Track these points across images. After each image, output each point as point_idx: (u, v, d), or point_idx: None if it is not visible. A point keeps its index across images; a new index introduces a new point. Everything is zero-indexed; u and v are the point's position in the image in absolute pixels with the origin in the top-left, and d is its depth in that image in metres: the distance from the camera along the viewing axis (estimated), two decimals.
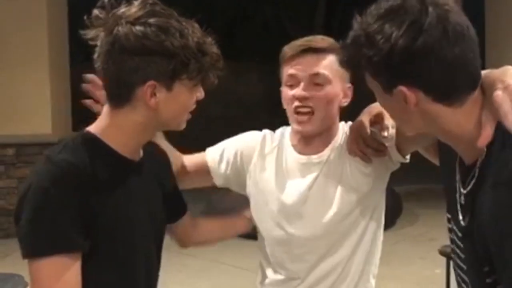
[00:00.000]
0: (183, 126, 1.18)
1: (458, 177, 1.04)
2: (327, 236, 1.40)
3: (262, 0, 10.65)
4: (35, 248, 1.03)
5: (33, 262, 1.03)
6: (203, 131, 10.82)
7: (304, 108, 1.37)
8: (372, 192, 1.42)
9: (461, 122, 0.96)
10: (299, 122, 1.39)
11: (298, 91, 1.37)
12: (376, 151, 1.37)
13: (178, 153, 1.51)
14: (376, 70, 0.96)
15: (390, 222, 5.35)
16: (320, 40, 1.39)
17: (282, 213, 1.43)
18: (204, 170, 1.52)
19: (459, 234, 1.05)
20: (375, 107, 1.35)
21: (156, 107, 1.10)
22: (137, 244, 1.16)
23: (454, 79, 0.93)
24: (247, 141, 1.51)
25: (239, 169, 1.50)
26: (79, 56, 6.94)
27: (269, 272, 1.48)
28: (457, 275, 1.11)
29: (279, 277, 1.46)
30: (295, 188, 1.42)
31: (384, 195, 1.47)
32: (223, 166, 1.51)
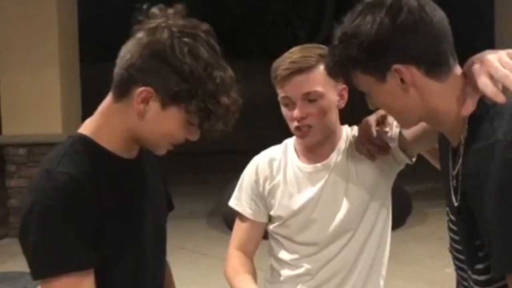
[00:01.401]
0: (161, 152, 1.14)
1: (450, 162, 1.09)
2: (337, 238, 1.45)
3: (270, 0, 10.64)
4: (45, 269, 1.02)
5: (44, 283, 1.02)
6: None
7: (304, 127, 1.43)
8: (378, 193, 1.47)
9: (448, 98, 1.04)
10: (301, 137, 1.46)
11: (295, 113, 1.42)
12: (380, 149, 1.42)
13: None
14: (368, 56, 1.03)
15: (399, 221, 5.33)
16: (307, 57, 1.40)
17: (295, 223, 1.48)
18: (260, 229, 1.55)
19: (452, 217, 1.09)
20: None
21: (142, 115, 1.06)
22: (144, 242, 1.15)
23: (438, 48, 1.02)
24: (256, 177, 1.53)
25: (265, 200, 1.54)
26: (89, 56, 6.99)
27: (280, 270, 1.52)
28: (455, 266, 1.13)
29: (290, 273, 1.49)
30: (305, 196, 1.46)
31: (390, 195, 1.51)
32: (261, 210, 1.53)
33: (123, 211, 1.10)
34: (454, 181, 1.07)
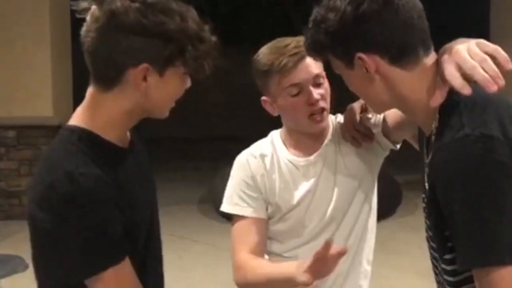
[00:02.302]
0: (166, 114, 1.13)
1: (424, 150, 1.11)
2: (323, 230, 1.47)
3: None
4: (93, 266, 1.02)
5: (95, 279, 1.02)
6: (205, 118, 10.82)
7: (318, 110, 1.42)
8: (364, 182, 1.49)
9: (416, 87, 1.04)
10: (316, 122, 1.43)
11: (314, 95, 1.39)
12: (364, 136, 1.45)
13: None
14: (334, 43, 1.05)
15: (389, 211, 5.36)
16: (301, 44, 1.37)
17: (294, 215, 1.48)
18: (264, 226, 1.48)
19: (424, 206, 1.11)
20: None
21: (145, 92, 1.04)
22: (146, 229, 1.16)
23: (403, 37, 1.02)
24: (251, 173, 1.48)
25: (264, 197, 1.50)
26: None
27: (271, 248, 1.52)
28: (430, 255, 1.14)
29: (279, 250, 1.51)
30: (302, 190, 1.47)
31: (375, 182, 1.53)
32: (261, 206, 1.48)
33: (135, 198, 1.11)
34: (427, 169, 1.07)
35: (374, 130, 1.46)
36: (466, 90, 0.96)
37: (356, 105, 1.46)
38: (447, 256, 1.03)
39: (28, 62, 5.42)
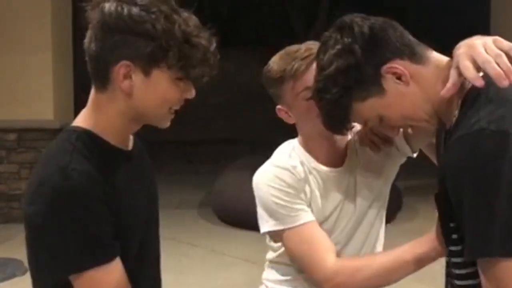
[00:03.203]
0: (165, 123, 1.12)
1: (442, 143, 1.12)
2: (347, 236, 1.42)
3: None
4: (78, 263, 1.02)
5: (78, 276, 1.02)
6: (205, 121, 10.81)
7: None
8: (383, 187, 1.46)
9: (435, 80, 1.07)
10: None
11: None
12: (383, 140, 1.41)
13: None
14: (353, 78, 1.08)
15: (390, 217, 5.32)
16: (316, 46, 1.35)
17: (324, 228, 1.38)
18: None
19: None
20: None
21: (131, 91, 1.05)
22: (143, 232, 1.16)
23: (403, 38, 1.09)
24: (287, 183, 1.36)
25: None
26: (83, 41, 6.91)
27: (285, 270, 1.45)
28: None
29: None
30: (333, 202, 1.41)
31: (388, 192, 1.50)
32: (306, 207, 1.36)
33: (131, 203, 1.11)
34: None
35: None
36: (478, 82, 0.97)
37: None
38: (452, 248, 1.05)
39: (30, 65, 5.42)
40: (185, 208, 6.11)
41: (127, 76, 1.05)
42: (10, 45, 5.44)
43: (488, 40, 1.01)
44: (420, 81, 1.07)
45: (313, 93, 1.17)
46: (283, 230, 1.33)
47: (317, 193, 1.40)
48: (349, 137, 1.47)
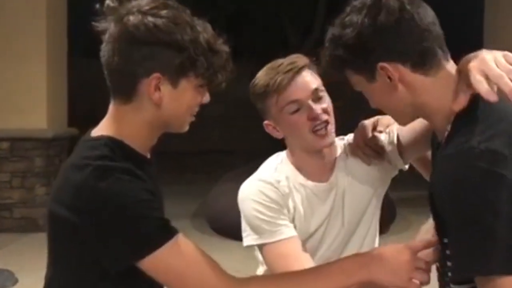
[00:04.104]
0: (185, 128, 1.15)
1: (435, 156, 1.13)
2: (337, 250, 1.42)
3: (263, 1, 10.65)
4: (158, 240, 1.04)
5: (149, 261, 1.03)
6: (199, 132, 10.81)
7: (322, 124, 1.37)
8: (373, 200, 1.45)
9: (439, 93, 1.06)
10: (321, 137, 1.37)
11: (316, 109, 1.36)
12: (375, 152, 1.41)
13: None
14: (354, 56, 1.06)
15: (383, 228, 5.33)
16: (297, 59, 1.40)
17: (309, 244, 1.41)
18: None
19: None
20: (383, 117, 1.42)
21: (160, 102, 1.07)
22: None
23: (422, 43, 1.04)
24: (269, 198, 1.37)
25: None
26: (77, 51, 6.91)
27: None
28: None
29: None
30: (320, 217, 1.41)
31: (380, 206, 1.50)
32: (289, 222, 1.38)
33: (162, 206, 1.14)
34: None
35: (389, 148, 1.42)
36: (492, 97, 0.97)
37: (368, 121, 1.44)
38: (448, 263, 1.05)
39: (24, 74, 5.41)
40: (179, 218, 6.06)
41: (157, 88, 1.06)
42: (3, 54, 5.43)
43: (498, 55, 1.01)
44: (414, 90, 1.06)
45: (327, 36, 1.13)
46: (264, 244, 1.34)
47: (301, 208, 1.40)
48: (339, 151, 1.46)
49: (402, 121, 1.17)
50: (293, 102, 1.37)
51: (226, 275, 1.09)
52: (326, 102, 1.40)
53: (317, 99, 1.38)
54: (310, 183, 1.42)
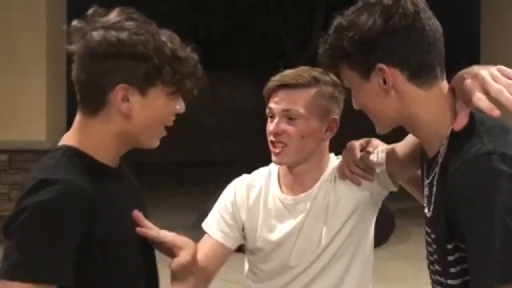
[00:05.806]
0: (155, 143, 1.14)
1: (424, 171, 1.12)
2: (312, 267, 1.42)
3: (260, 12, 10.71)
4: (9, 270, 0.99)
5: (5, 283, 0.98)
6: (197, 143, 10.82)
7: (278, 143, 1.41)
8: (361, 219, 1.44)
9: (430, 108, 1.06)
10: (274, 154, 1.42)
11: (270, 127, 1.42)
12: (364, 172, 1.41)
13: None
14: (356, 50, 1.06)
15: (382, 239, 5.34)
16: (298, 75, 1.41)
17: (278, 255, 1.44)
18: (223, 252, 1.47)
19: (428, 229, 1.10)
20: (372, 139, 1.44)
21: (129, 113, 1.08)
22: (137, 249, 1.14)
23: (425, 56, 1.05)
24: (234, 200, 1.49)
25: (240, 228, 1.49)
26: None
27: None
28: (432, 280, 1.13)
29: None
30: (286, 228, 1.43)
31: (373, 224, 1.48)
32: (232, 234, 1.48)
33: (116, 221, 1.09)
34: (426, 189, 1.09)
35: (378, 169, 1.41)
36: (494, 112, 0.98)
37: (356, 142, 1.45)
38: (452, 270, 1.04)
39: (23, 86, 5.43)
40: (177, 230, 6.03)
41: (125, 98, 1.07)
42: (3, 66, 5.46)
43: (494, 70, 1.01)
44: (405, 99, 1.06)
45: (333, 24, 1.12)
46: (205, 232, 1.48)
47: (269, 218, 1.44)
48: (329, 171, 1.46)
49: (382, 127, 1.15)
50: (269, 109, 1.44)
51: None
52: (296, 127, 1.39)
53: (289, 118, 1.40)
54: (283, 195, 1.46)
